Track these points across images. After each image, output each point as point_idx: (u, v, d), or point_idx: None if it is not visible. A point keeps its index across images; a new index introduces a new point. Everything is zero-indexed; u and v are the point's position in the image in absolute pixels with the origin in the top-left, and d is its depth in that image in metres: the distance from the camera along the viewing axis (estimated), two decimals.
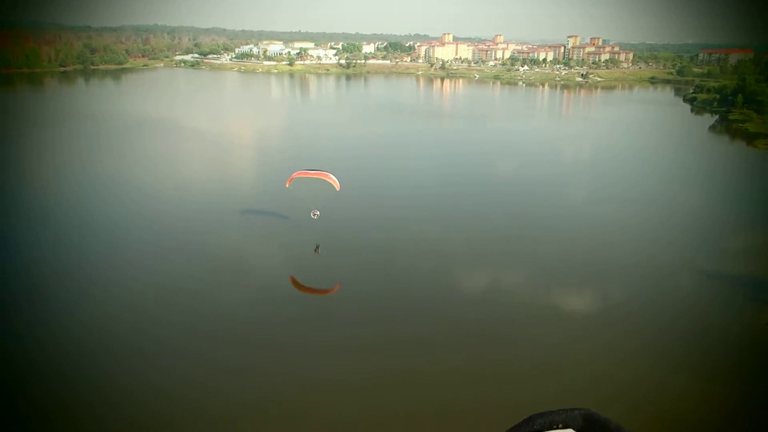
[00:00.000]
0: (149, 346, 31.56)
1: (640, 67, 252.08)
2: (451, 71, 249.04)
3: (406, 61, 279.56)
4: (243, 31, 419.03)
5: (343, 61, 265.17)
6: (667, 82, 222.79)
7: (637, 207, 59.45)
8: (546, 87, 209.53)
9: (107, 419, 25.79)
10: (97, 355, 30.56)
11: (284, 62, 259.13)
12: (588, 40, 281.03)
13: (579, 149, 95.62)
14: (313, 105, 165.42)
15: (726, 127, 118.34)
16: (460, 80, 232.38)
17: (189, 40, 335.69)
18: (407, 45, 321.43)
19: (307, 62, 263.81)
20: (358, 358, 30.71)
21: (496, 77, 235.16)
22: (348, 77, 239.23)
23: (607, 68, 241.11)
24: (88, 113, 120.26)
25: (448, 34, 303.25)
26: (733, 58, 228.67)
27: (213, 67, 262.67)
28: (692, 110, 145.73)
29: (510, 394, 27.39)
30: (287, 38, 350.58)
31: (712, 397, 27.93)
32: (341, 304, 37.74)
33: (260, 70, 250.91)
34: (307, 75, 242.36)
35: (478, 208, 58.75)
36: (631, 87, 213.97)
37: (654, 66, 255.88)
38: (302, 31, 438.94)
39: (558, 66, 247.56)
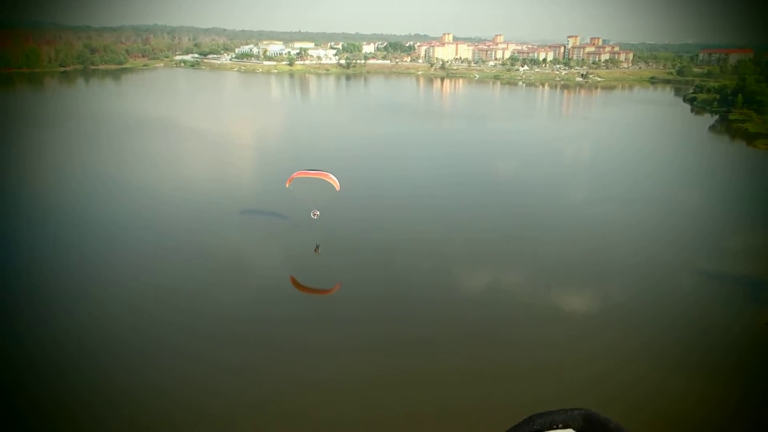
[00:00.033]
0: (149, 346, 31.56)
1: (640, 67, 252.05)
2: (451, 71, 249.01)
3: (406, 61, 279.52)
4: (243, 31, 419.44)
5: (343, 61, 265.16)
6: (667, 82, 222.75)
7: (637, 207, 59.46)
8: (546, 87, 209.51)
9: (107, 419, 25.79)
10: (97, 355, 30.56)
11: (284, 62, 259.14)
12: (588, 40, 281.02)
13: (579, 149, 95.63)
14: (313, 105, 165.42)
15: (726, 127, 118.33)
16: (460, 80, 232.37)
17: (189, 40, 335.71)
18: (407, 45, 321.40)
19: (307, 62, 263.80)
20: (359, 358, 30.71)
21: (496, 77, 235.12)
22: (348, 77, 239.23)
23: (607, 68, 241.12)
24: (88, 113, 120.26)
25: (448, 34, 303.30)
26: (733, 58, 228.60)
27: (213, 67, 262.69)
28: (692, 110, 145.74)
29: (510, 394, 27.38)
30: (287, 38, 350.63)
31: (712, 397, 27.93)
32: (341, 304, 37.74)
33: (260, 70, 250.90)
34: (307, 75, 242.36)
35: (478, 208, 58.74)
36: (631, 87, 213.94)
37: (654, 66, 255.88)
38: (302, 31, 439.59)
39: (558, 66, 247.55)
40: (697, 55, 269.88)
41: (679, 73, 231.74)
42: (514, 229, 51.80)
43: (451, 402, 27.41)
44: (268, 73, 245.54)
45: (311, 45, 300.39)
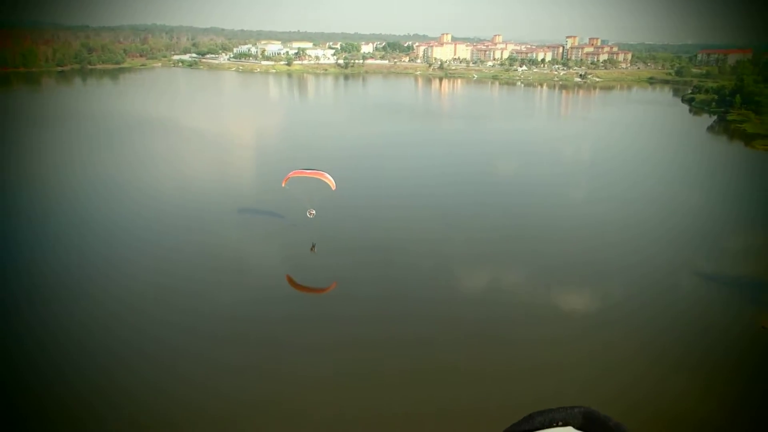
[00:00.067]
0: (149, 346, 31.52)
1: (638, 68, 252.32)
2: (450, 71, 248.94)
3: (404, 61, 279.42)
4: (242, 30, 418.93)
5: (341, 61, 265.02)
6: (665, 82, 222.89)
7: (637, 207, 59.57)
8: (544, 87, 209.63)
9: (107, 419, 25.75)
10: (97, 355, 30.52)
11: (282, 62, 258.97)
12: (587, 41, 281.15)
13: (578, 149, 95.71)
14: (311, 105, 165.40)
15: (724, 127, 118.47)
16: (459, 80, 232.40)
17: (187, 39, 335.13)
18: (406, 45, 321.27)
19: (306, 62, 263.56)
20: (359, 358, 30.70)
21: (494, 77, 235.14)
22: (346, 77, 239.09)
23: (605, 68, 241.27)
24: (87, 113, 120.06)
25: (447, 34, 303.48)
26: (731, 59, 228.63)
27: (211, 67, 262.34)
28: (690, 110, 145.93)
29: (510, 394, 27.38)
30: (286, 38, 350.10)
31: (712, 397, 27.99)
32: (341, 303, 37.70)
33: (258, 69, 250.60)
34: (305, 75, 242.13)
35: (478, 207, 58.78)
36: (629, 87, 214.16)
37: (652, 66, 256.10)
38: (301, 31, 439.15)
39: (556, 66, 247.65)
40: (695, 56, 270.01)
41: (678, 73, 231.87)
42: (514, 229, 51.82)
43: (450, 401, 27.41)
44: (266, 73, 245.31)
45: (309, 45, 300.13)
